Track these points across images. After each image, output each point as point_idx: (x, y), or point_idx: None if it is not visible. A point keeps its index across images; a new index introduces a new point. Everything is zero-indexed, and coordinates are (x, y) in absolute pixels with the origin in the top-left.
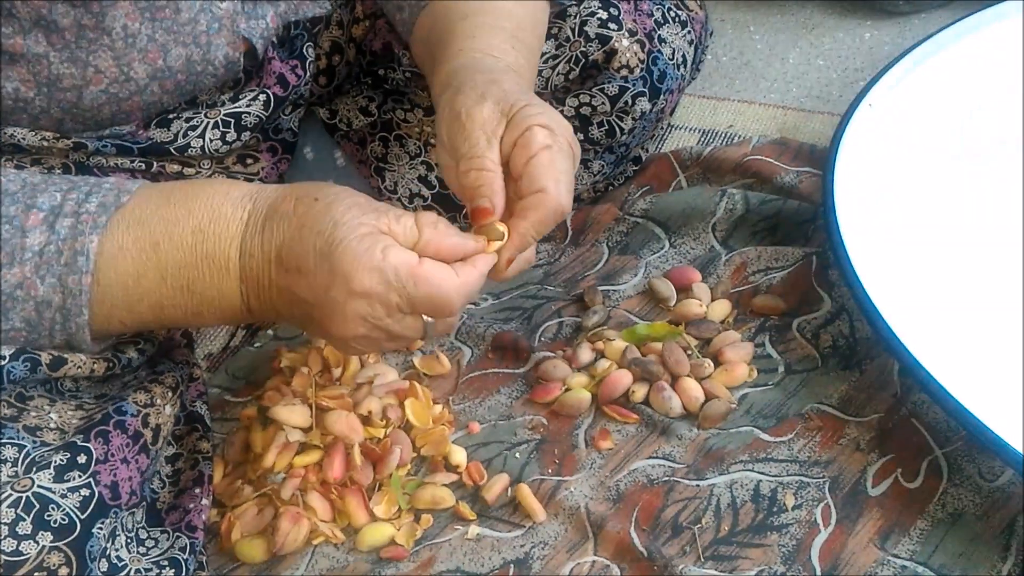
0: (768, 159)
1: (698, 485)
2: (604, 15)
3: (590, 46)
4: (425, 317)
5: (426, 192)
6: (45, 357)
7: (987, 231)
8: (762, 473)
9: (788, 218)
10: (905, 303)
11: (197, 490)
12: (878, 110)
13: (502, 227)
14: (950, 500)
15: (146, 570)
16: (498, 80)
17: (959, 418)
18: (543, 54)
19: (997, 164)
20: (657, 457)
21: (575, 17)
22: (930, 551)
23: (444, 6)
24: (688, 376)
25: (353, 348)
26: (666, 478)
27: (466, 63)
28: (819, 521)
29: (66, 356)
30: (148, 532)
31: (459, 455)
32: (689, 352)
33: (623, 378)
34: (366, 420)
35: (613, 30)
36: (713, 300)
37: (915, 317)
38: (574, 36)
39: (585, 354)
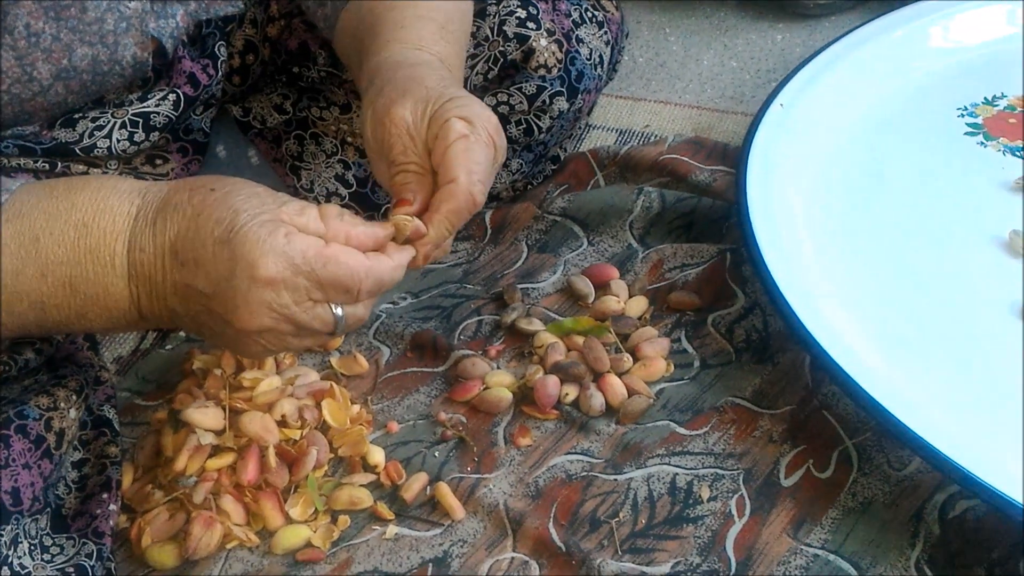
0: (683, 158)
1: (616, 479)
2: (523, 14)
3: (508, 45)
4: (335, 309)
5: (343, 191)
6: None
7: (893, 226)
8: (678, 466)
9: (703, 216)
10: (815, 297)
11: (105, 495)
12: (789, 110)
13: (412, 220)
14: (860, 489)
15: None
16: (420, 76)
17: (868, 409)
18: None
19: (904, 162)
20: (576, 452)
21: (494, 16)
22: (841, 539)
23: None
24: (610, 372)
25: (256, 346)
26: (584, 473)
27: (392, 56)
28: (734, 512)
29: None
30: (53, 539)
31: (377, 455)
32: (608, 347)
33: (552, 384)
34: (282, 422)
35: (532, 29)
36: (631, 297)
37: (825, 311)
38: (492, 35)
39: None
